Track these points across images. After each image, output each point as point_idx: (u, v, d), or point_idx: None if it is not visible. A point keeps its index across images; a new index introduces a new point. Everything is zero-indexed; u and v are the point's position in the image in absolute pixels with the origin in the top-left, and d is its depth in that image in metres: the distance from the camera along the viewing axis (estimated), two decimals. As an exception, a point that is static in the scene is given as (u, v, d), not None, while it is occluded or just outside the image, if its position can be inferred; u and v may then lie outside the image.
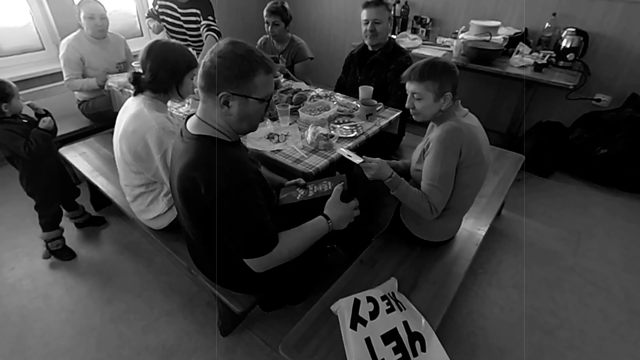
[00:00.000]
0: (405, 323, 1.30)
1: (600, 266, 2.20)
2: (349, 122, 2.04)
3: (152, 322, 1.88)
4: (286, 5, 2.76)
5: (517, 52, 2.92)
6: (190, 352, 1.74)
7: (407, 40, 3.29)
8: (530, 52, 2.92)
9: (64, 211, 2.34)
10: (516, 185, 2.71)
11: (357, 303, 1.34)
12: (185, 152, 1.18)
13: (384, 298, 1.38)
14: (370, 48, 2.40)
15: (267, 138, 1.89)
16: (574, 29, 2.76)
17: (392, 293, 1.44)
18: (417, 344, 1.26)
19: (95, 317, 1.90)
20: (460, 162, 1.42)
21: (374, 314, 1.32)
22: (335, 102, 2.23)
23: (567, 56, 2.79)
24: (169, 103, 2.26)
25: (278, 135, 1.90)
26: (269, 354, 1.73)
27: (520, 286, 2.06)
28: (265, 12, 2.74)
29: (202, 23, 2.99)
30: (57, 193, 2.18)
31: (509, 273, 2.14)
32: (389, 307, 1.35)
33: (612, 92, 2.92)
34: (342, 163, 1.77)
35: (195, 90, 2.25)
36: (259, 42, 3.02)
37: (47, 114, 2.07)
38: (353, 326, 1.27)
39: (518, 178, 2.37)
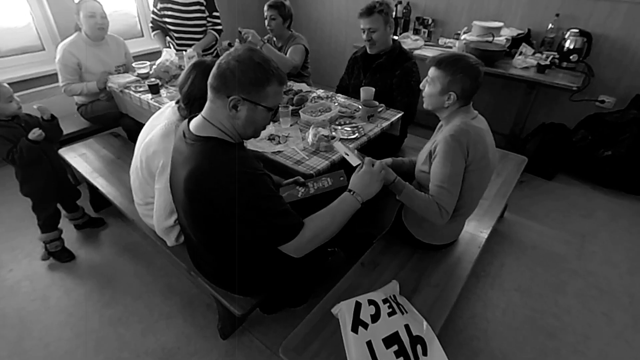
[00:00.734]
0: (406, 326, 1.28)
1: (605, 270, 2.17)
2: (350, 123, 2.03)
3: (152, 324, 1.87)
4: (286, 2, 2.75)
5: (520, 53, 2.90)
6: (189, 355, 1.73)
7: (409, 41, 3.28)
8: (533, 53, 2.91)
9: (64, 212, 2.33)
10: (519, 187, 2.70)
11: (358, 306, 1.33)
12: (192, 155, 1.18)
13: (385, 301, 1.36)
14: (373, 53, 2.39)
15: (268, 139, 1.88)
16: (577, 30, 2.74)
17: (394, 296, 1.42)
18: (419, 347, 1.24)
19: (94, 320, 1.89)
20: (467, 164, 1.40)
21: (375, 317, 1.30)
22: (336, 104, 2.22)
23: (571, 57, 2.77)
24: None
25: (279, 137, 1.89)
26: (269, 357, 1.71)
27: (523, 289, 2.04)
28: (265, 7, 2.75)
29: (208, 19, 2.97)
30: (53, 195, 2.16)
31: (511, 276, 2.12)
32: (391, 310, 1.33)
33: (616, 94, 2.90)
34: (343, 164, 1.75)
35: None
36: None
37: (53, 119, 2.07)
38: (354, 329, 1.26)
39: (521, 180, 2.36)
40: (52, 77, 3.00)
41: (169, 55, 2.62)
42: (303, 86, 2.53)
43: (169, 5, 2.89)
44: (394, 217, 1.75)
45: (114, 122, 2.88)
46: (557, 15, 2.87)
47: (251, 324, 1.85)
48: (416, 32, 3.57)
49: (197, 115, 1.26)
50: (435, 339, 1.28)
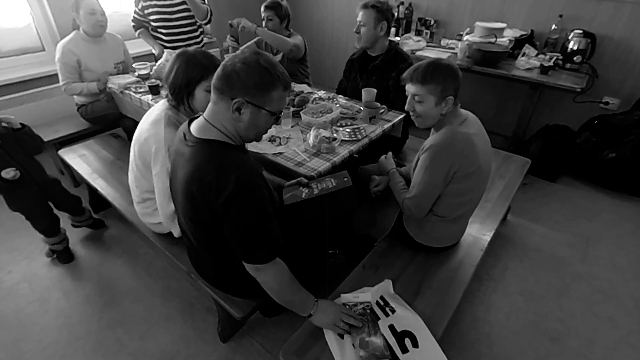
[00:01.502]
0: (391, 327, 1.29)
1: (609, 273, 2.15)
2: (351, 124, 2.01)
3: (151, 327, 1.85)
4: (283, 2, 2.73)
5: (523, 54, 2.88)
6: (189, 358, 1.71)
7: (411, 42, 3.26)
8: (537, 55, 2.88)
9: (69, 215, 2.32)
10: (522, 189, 2.68)
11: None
12: (192, 156, 1.17)
13: (371, 310, 1.36)
14: (367, 52, 2.37)
15: (269, 141, 1.87)
16: (581, 31, 2.72)
17: (382, 297, 1.41)
18: (407, 340, 1.25)
19: (92, 322, 1.88)
20: (454, 173, 1.42)
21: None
22: (337, 105, 2.20)
23: (574, 58, 2.75)
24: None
25: (280, 138, 1.88)
26: (269, 361, 1.70)
27: (526, 293, 2.02)
28: (262, 7, 2.73)
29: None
30: (44, 210, 2.09)
31: (515, 279, 2.10)
32: (374, 317, 1.34)
33: (621, 95, 2.87)
34: (345, 166, 1.75)
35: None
36: (257, 39, 2.96)
37: (23, 127, 1.91)
38: (340, 335, 1.29)
39: (524, 182, 2.34)
40: (52, 78, 3.00)
41: (169, 56, 2.61)
42: (304, 87, 2.51)
43: (154, 2, 2.84)
44: (395, 220, 1.74)
45: (114, 123, 2.87)
46: (561, 16, 2.85)
47: (251, 327, 1.84)
48: (418, 33, 3.55)
49: (198, 116, 1.25)
50: (425, 329, 1.29)
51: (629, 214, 2.63)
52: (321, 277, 1.75)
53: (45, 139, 2.68)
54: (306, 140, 1.85)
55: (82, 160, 2.40)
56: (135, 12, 2.95)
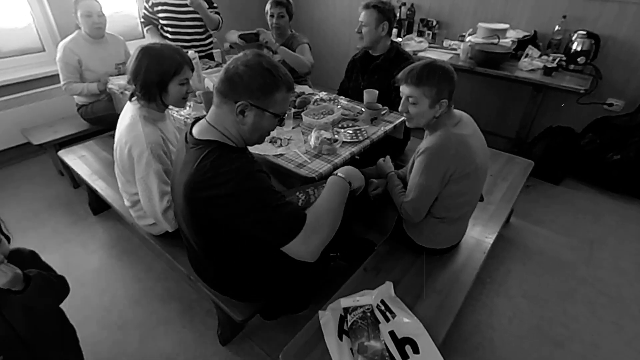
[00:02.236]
0: (391, 333, 1.27)
1: (614, 276, 2.12)
2: (353, 126, 2.00)
3: (150, 330, 1.84)
4: None
5: (526, 56, 2.86)
6: (188, 362, 1.70)
7: (412, 43, 3.25)
8: (540, 56, 2.87)
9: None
10: (525, 192, 2.66)
11: (342, 319, 1.34)
12: (191, 158, 1.16)
13: (371, 312, 1.34)
14: (369, 52, 2.36)
15: (270, 142, 1.85)
16: (584, 32, 2.70)
17: (383, 301, 1.40)
18: (408, 347, 1.24)
19: (91, 325, 1.86)
20: (451, 175, 1.41)
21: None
22: (339, 106, 2.19)
23: (578, 59, 2.73)
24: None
25: (281, 140, 1.86)
26: (269, 365, 1.69)
27: (529, 296, 2.00)
28: (269, 5, 2.67)
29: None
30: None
31: (518, 283, 2.08)
32: (374, 320, 1.32)
33: (625, 97, 2.85)
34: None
35: (197, 93, 2.22)
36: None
37: (28, 283, 1.05)
38: (339, 336, 1.27)
39: (527, 184, 2.32)
40: (52, 79, 3.00)
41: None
42: (305, 88, 2.50)
43: (164, 0, 2.83)
44: (394, 223, 1.73)
45: (114, 124, 2.84)
46: (564, 17, 2.83)
47: (251, 330, 1.82)
48: (420, 34, 3.53)
49: (201, 119, 1.25)
50: (426, 335, 1.27)
51: (633, 216, 2.60)
52: (322, 280, 1.74)
53: (45, 140, 2.69)
54: (307, 142, 1.83)
55: (82, 162, 2.39)
56: (145, 8, 2.95)
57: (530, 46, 2.90)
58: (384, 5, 2.17)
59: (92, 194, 2.37)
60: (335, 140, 1.80)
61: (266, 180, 1.15)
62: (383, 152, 1.90)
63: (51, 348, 1.27)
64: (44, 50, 3.12)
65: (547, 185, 2.91)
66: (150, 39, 3.06)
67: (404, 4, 3.56)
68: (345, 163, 1.74)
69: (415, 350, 1.23)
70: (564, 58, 2.80)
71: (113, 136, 2.66)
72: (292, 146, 1.82)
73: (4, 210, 2.60)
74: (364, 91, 2.18)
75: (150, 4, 2.88)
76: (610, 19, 2.71)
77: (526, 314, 1.91)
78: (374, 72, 2.32)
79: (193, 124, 1.26)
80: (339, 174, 1.29)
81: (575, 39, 2.73)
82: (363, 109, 2.11)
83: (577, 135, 2.95)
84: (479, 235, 1.81)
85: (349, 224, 2.07)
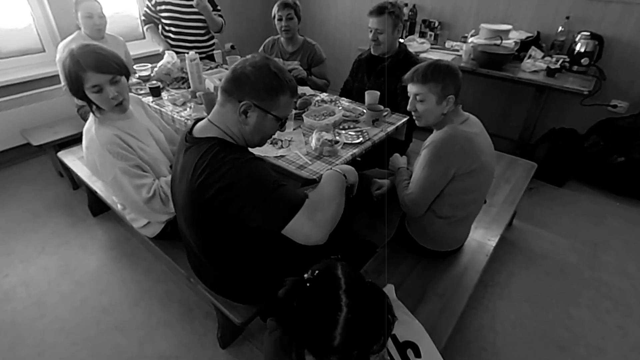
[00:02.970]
0: (393, 336, 1.25)
1: (618, 280, 2.10)
2: (354, 127, 1.98)
3: (150, 332, 1.82)
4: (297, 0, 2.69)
5: (529, 57, 2.84)
6: (187, 365, 1.69)
7: (415, 44, 3.23)
8: (543, 57, 2.85)
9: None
10: (528, 194, 2.64)
11: None
12: (190, 156, 1.16)
13: None
14: (376, 54, 2.34)
15: (271, 143, 1.84)
16: (588, 33, 2.68)
17: None
18: (410, 351, 1.22)
19: (90, 327, 1.85)
20: (455, 171, 1.42)
21: None
22: (340, 107, 2.17)
23: (582, 61, 2.71)
24: (171, 106, 2.22)
25: (281, 141, 1.85)
26: (269, 368, 1.66)
27: (533, 300, 1.98)
28: (276, 8, 2.63)
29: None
30: None
31: (521, 286, 2.06)
32: None
33: (629, 98, 2.83)
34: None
35: (198, 94, 2.21)
36: (265, 44, 2.89)
37: None
38: None
39: (530, 187, 2.30)
40: (52, 79, 3.00)
41: (170, 57, 2.59)
42: (306, 89, 2.48)
43: (167, 0, 2.83)
44: (398, 223, 1.71)
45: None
46: (568, 17, 2.82)
47: (251, 332, 1.81)
48: (422, 35, 3.52)
49: (202, 119, 1.25)
50: (427, 338, 1.25)
51: (637, 218, 2.58)
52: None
53: (45, 141, 2.68)
54: (308, 143, 1.82)
55: (82, 163, 2.37)
56: (147, 6, 2.94)
57: (533, 47, 2.88)
58: (396, 9, 2.14)
59: (92, 195, 2.36)
60: (337, 142, 1.78)
61: (265, 167, 1.15)
62: (384, 153, 1.88)
63: None
64: (44, 50, 3.11)
65: (550, 188, 2.89)
66: (150, 37, 3.06)
67: (406, 4, 3.54)
68: (346, 164, 1.72)
69: (417, 354, 1.21)
70: (567, 59, 2.77)
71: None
72: (293, 147, 1.81)
73: (4, 211, 2.59)
74: (365, 92, 2.16)
75: (153, 2, 2.88)
76: (614, 20, 2.69)
77: (529, 318, 1.88)
78: (380, 73, 2.30)
79: (193, 125, 1.26)
80: (332, 168, 1.33)
81: (579, 40, 2.71)
82: (364, 111, 2.10)
83: (580, 137, 2.92)
84: (482, 237, 1.79)
85: (350, 225, 2.05)
